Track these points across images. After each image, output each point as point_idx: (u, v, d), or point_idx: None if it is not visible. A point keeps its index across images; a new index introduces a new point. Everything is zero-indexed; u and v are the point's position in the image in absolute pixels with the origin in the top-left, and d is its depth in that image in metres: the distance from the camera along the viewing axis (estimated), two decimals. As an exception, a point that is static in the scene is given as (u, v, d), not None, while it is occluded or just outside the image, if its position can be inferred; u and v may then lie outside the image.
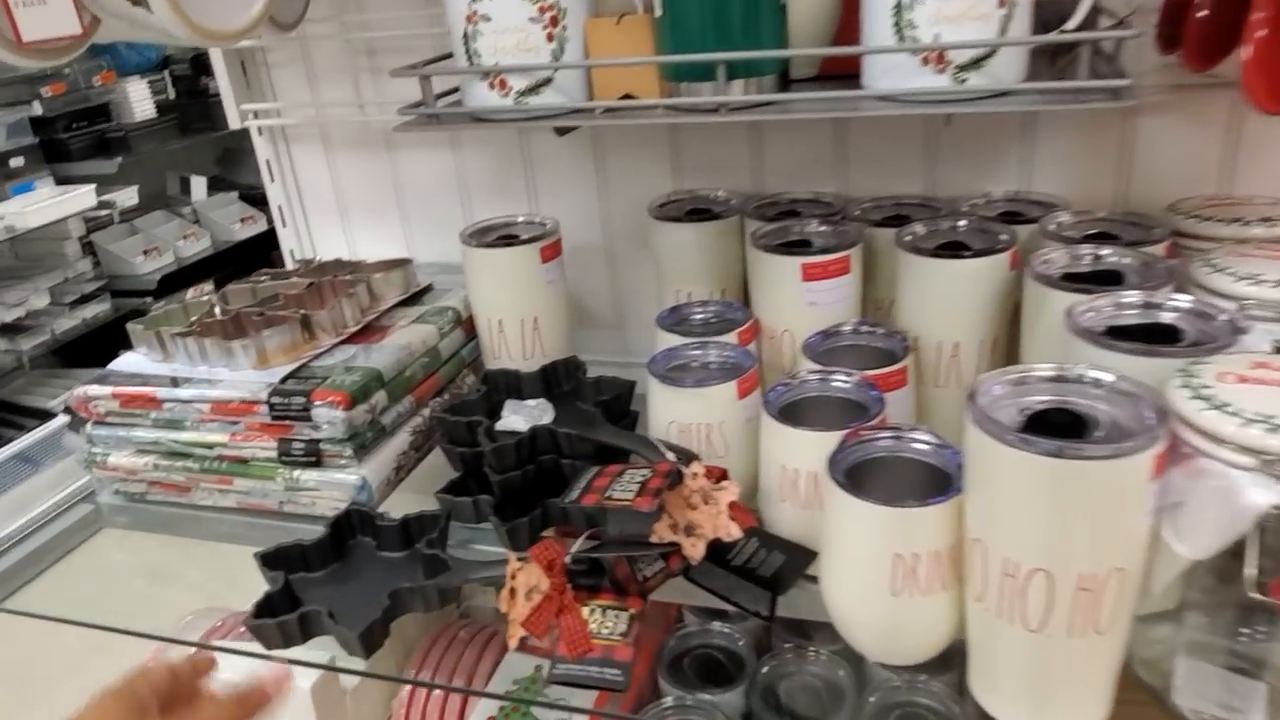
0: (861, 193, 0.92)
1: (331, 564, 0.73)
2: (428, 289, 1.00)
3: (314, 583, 0.71)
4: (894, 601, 0.56)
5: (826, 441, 0.63)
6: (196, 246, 3.11)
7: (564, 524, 0.68)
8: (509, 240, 0.90)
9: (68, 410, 0.86)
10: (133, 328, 0.89)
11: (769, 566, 0.66)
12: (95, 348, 2.66)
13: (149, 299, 2.82)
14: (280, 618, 0.65)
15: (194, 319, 0.90)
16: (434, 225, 1.10)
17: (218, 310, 0.91)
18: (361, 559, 0.74)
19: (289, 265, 1.18)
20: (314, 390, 0.78)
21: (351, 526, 0.75)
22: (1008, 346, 0.77)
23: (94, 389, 0.84)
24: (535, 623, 0.63)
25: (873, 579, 0.57)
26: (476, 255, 0.89)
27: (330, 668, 0.83)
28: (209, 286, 3.35)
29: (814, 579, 0.64)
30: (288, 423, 0.79)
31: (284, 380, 0.80)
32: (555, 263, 0.90)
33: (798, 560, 0.66)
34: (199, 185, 3.27)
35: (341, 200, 1.13)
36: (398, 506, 0.80)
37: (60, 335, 2.69)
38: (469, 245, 0.89)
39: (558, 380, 0.87)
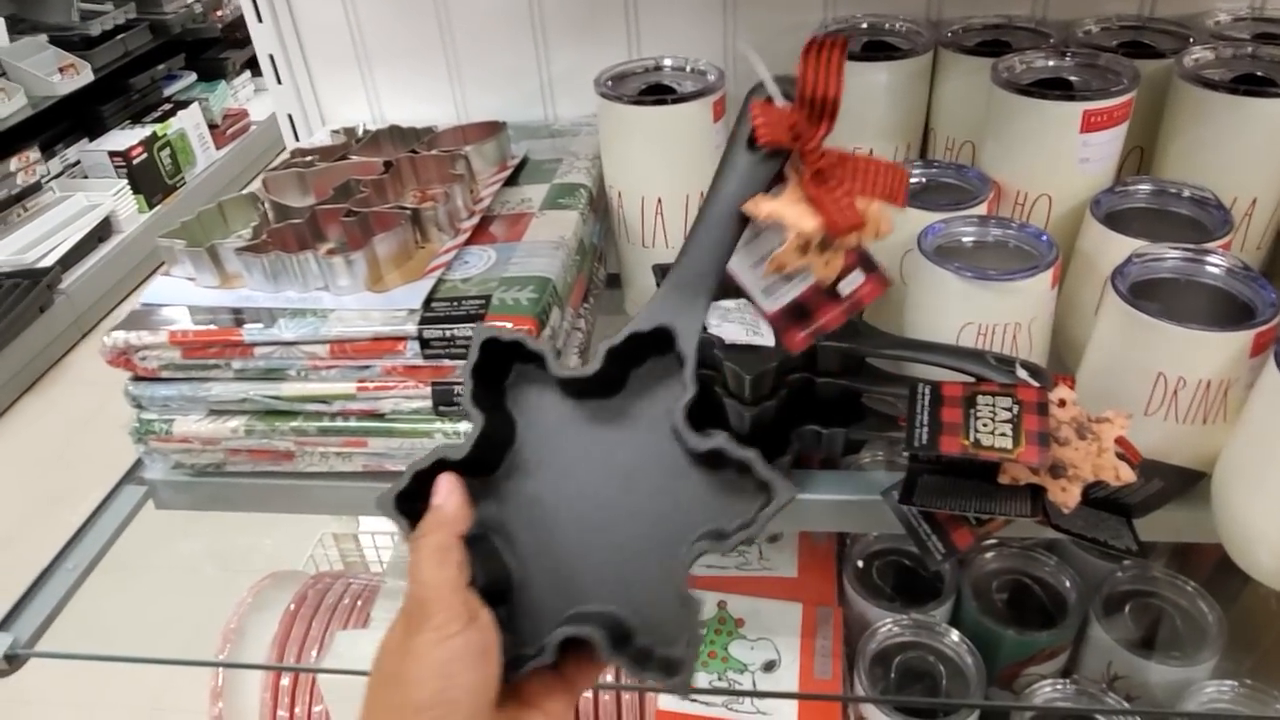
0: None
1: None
2: (524, 163, 0.78)
3: None
4: (1377, 536, 0.47)
5: (1235, 343, 0.50)
6: (9, 106, 2.56)
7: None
8: (658, 93, 0.70)
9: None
10: (166, 244, 0.64)
11: (1140, 494, 0.55)
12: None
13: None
14: None
15: (251, 225, 0.65)
16: (496, 76, 0.86)
17: (270, 212, 0.67)
18: None
19: (288, 135, 0.91)
20: (484, 315, 0.58)
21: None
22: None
23: (142, 335, 0.59)
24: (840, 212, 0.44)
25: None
26: (630, 114, 0.68)
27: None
28: (34, 154, 2.84)
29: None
30: (447, 363, 0.59)
31: (428, 304, 0.59)
32: (723, 122, 0.71)
33: (1177, 486, 0.54)
34: (-2, 28, 2.66)
35: (362, 45, 0.86)
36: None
37: None
38: (617, 101, 0.68)
39: (747, 272, 0.70)
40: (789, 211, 0.46)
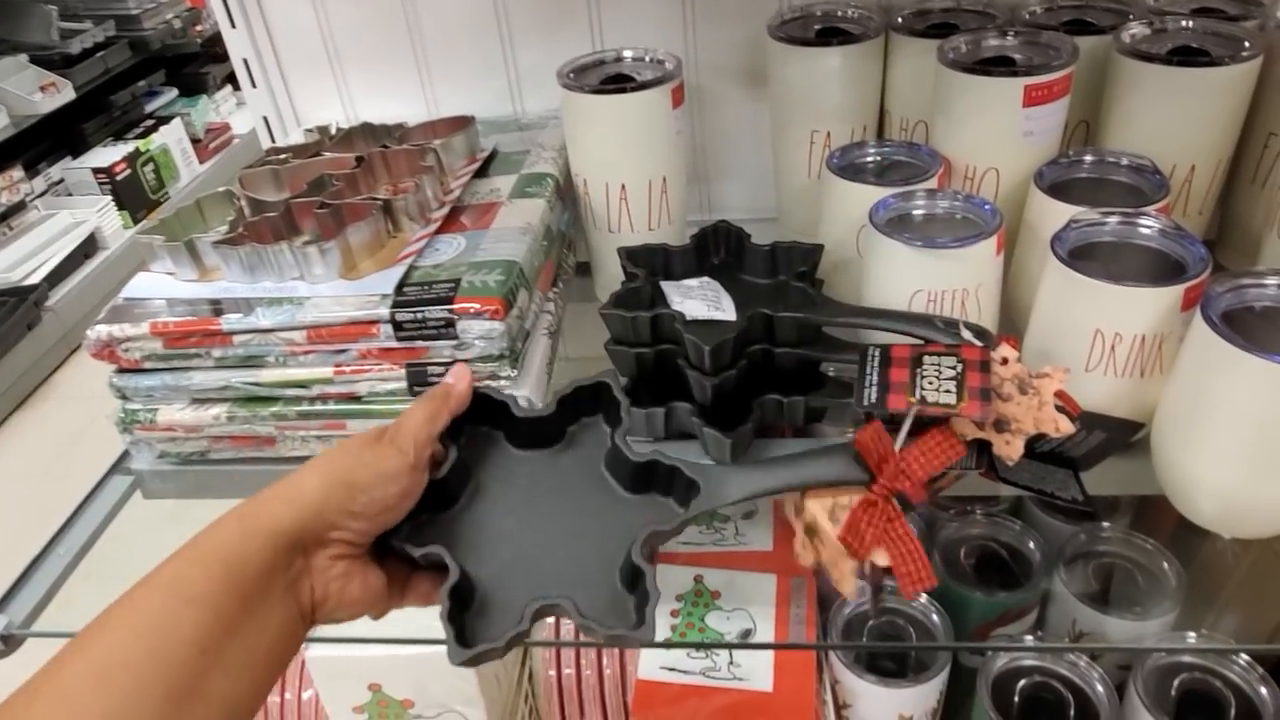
0: None
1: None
2: (493, 155, 0.80)
3: None
4: (1300, 474, 0.49)
5: (1166, 298, 0.53)
6: (-7, 125, 2.57)
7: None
8: (618, 83, 0.72)
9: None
10: (145, 240, 0.66)
11: (1084, 447, 0.57)
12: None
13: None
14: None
15: (228, 220, 0.68)
16: (464, 73, 0.88)
17: (246, 207, 0.69)
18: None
19: (264, 138, 0.93)
20: (454, 297, 0.60)
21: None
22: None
23: (124, 328, 0.62)
24: (856, 537, 0.48)
25: (1278, 450, 0.49)
26: (592, 104, 0.70)
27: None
28: (18, 173, 2.84)
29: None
30: (420, 344, 0.61)
31: (400, 288, 0.61)
32: (682, 109, 0.73)
33: (1118, 436, 0.57)
34: (-22, 48, 2.68)
35: (334, 47, 0.88)
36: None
37: None
38: (578, 91, 0.70)
39: (710, 251, 0.72)
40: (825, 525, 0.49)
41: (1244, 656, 0.72)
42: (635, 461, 0.48)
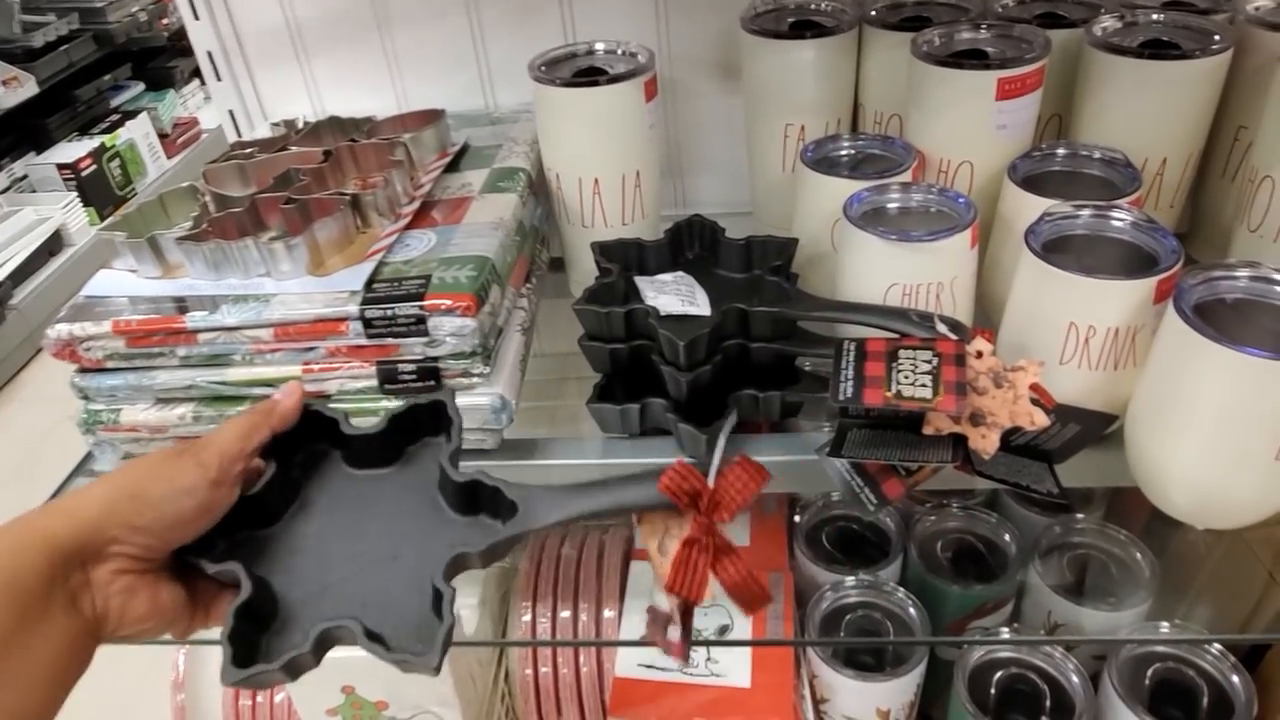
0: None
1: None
2: (464, 149, 0.79)
3: None
4: (1274, 465, 0.49)
5: (1139, 291, 0.53)
6: (-48, 122, 2.52)
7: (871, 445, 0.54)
8: (591, 75, 0.71)
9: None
10: (107, 237, 0.64)
11: (1058, 439, 0.57)
12: None
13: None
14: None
15: (192, 216, 0.66)
16: (434, 66, 0.87)
17: (210, 203, 0.68)
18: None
19: (229, 131, 0.92)
20: (424, 294, 0.59)
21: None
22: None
23: (86, 326, 0.60)
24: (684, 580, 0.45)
25: (1252, 442, 0.49)
26: (564, 97, 0.70)
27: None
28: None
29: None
30: (390, 341, 0.60)
31: (369, 285, 0.60)
32: (655, 102, 0.72)
33: (1092, 429, 0.57)
34: (-64, 42, 2.62)
35: (300, 39, 0.86)
36: (524, 426, 0.65)
37: None
38: (550, 84, 0.70)
39: (684, 246, 0.71)
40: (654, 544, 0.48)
41: (1216, 646, 0.73)
42: (459, 482, 0.47)
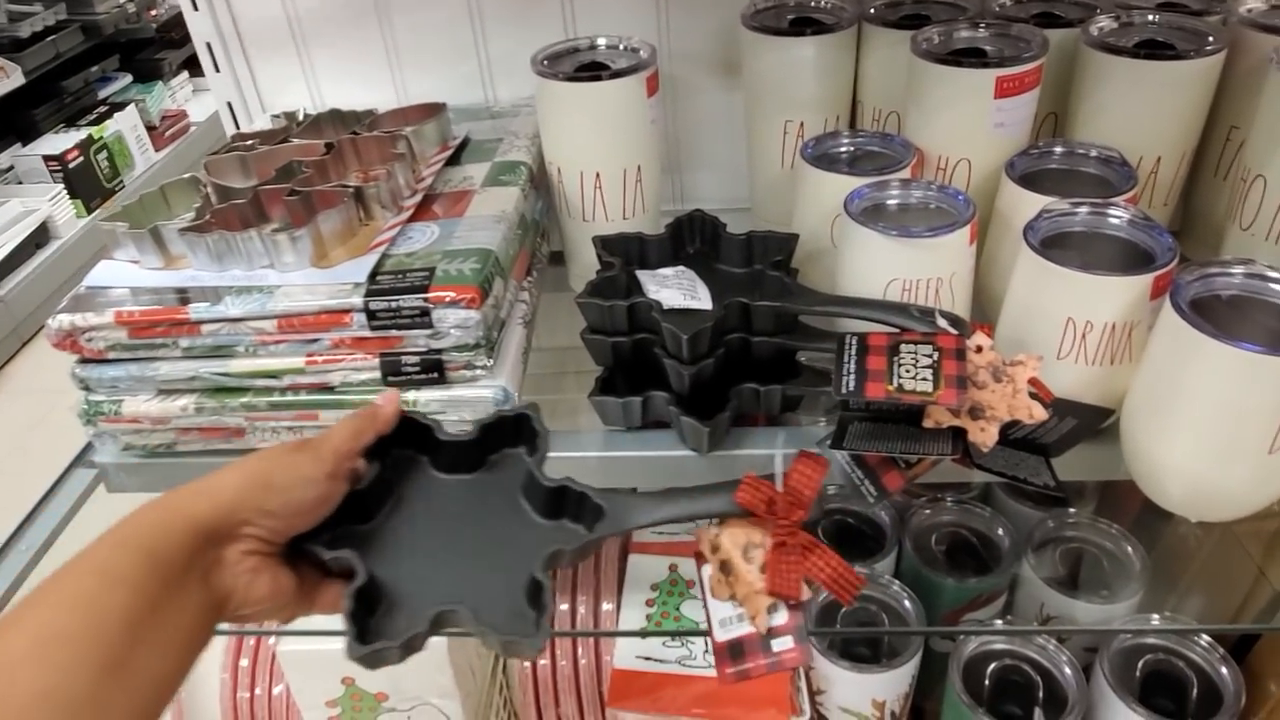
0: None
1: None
2: (465, 143, 0.79)
3: None
4: (1267, 459, 0.50)
5: (1136, 287, 0.54)
6: (-62, 112, 2.49)
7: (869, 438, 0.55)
8: (593, 70, 0.72)
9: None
10: (108, 227, 0.64)
11: (1055, 433, 0.58)
12: None
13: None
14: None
15: (194, 207, 0.66)
16: (434, 60, 0.87)
17: (212, 194, 0.68)
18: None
19: (228, 123, 0.91)
20: (429, 286, 0.59)
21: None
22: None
23: (86, 317, 0.60)
24: (784, 582, 0.49)
25: (1246, 436, 0.50)
26: (567, 91, 0.70)
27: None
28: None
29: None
30: (394, 333, 0.60)
31: (373, 277, 0.60)
32: (657, 98, 0.73)
33: (1089, 423, 0.58)
34: (-79, 31, 2.59)
35: (300, 31, 0.86)
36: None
37: None
38: (553, 78, 0.70)
39: (685, 240, 0.72)
40: (739, 561, 0.50)
41: (1205, 637, 0.74)
42: (547, 486, 0.50)
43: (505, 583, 0.47)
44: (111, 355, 0.62)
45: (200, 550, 0.41)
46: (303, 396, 0.62)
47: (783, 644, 0.49)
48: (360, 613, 0.45)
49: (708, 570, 0.51)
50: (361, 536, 0.49)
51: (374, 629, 0.45)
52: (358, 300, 0.59)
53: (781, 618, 0.49)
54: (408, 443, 0.52)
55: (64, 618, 0.36)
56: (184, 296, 0.61)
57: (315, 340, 0.61)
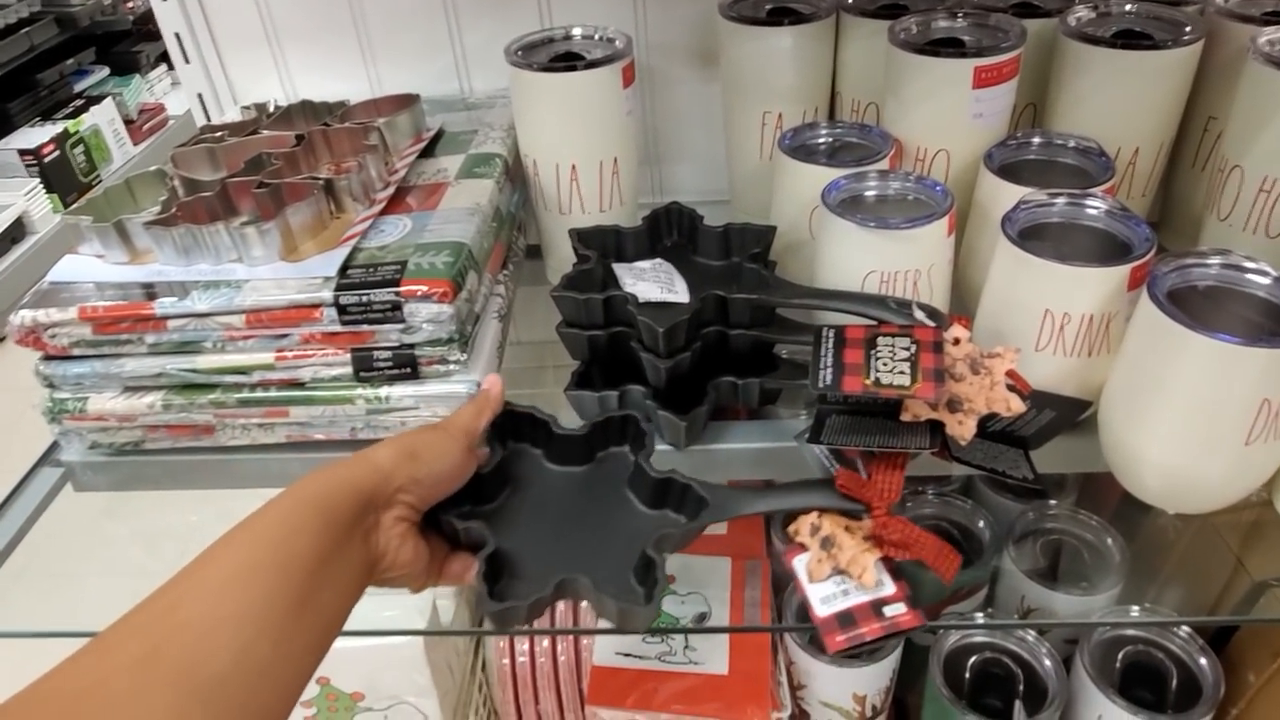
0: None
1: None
2: (439, 135, 0.78)
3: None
4: (1244, 451, 0.50)
5: (1113, 278, 0.54)
6: (-91, 106, 2.45)
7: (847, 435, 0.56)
8: (568, 61, 0.71)
9: None
10: (72, 221, 0.63)
11: (1033, 425, 0.58)
12: None
13: None
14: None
15: (160, 200, 0.65)
16: (408, 51, 0.86)
17: (179, 187, 0.66)
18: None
19: (198, 115, 0.90)
20: (400, 280, 0.58)
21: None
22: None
23: (50, 313, 0.59)
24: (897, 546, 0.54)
25: (1223, 427, 0.50)
26: (541, 82, 0.69)
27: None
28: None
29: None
30: (365, 328, 0.59)
31: (344, 271, 0.59)
32: (633, 89, 0.72)
33: (1067, 415, 0.58)
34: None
35: (271, 21, 0.85)
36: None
37: None
38: (527, 69, 0.69)
39: (663, 233, 0.71)
40: (846, 541, 0.53)
41: (1185, 628, 0.74)
42: (654, 477, 0.54)
43: (615, 563, 0.51)
44: (76, 352, 0.60)
45: (362, 513, 0.45)
46: (273, 393, 0.61)
47: (895, 609, 0.51)
48: (490, 576, 0.49)
49: (803, 560, 0.54)
50: (485, 516, 0.54)
51: (500, 593, 0.49)
52: (328, 294, 0.58)
53: (889, 589, 0.52)
54: (523, 436, 0.58)
55: (260, 553, 0.40)
56: (150, 291, 0.60)
57: (285, 335, 0.60)
